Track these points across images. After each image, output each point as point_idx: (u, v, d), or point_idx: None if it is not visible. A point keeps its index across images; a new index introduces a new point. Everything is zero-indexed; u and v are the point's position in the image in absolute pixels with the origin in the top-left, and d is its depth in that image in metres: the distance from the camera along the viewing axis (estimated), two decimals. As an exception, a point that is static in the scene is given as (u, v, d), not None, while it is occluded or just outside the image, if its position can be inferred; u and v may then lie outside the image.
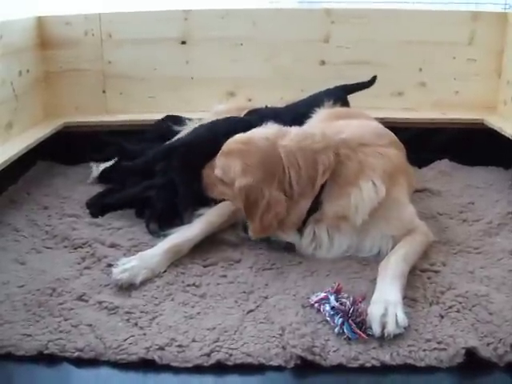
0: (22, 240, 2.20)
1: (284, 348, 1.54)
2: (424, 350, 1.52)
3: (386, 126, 2.43)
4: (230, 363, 1.52)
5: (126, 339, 1.58)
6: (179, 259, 2.01)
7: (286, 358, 1.52)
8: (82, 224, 2.33)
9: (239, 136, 2.14)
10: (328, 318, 1.64)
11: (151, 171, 2.46)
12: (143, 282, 1.86)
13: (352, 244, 2.06)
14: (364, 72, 3.04)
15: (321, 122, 2.50)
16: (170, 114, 3.03)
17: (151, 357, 1.53)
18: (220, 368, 1.51)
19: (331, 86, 2.91)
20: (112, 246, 2.13)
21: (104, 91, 3.35)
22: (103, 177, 2.79)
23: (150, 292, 1.82)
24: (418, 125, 3.21)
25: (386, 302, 1.63)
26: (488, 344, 1.54)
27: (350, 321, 1.58)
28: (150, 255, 1.97)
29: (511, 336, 1.55)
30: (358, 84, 2.95)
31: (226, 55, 3.31)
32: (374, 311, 1.61)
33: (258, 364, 1.51)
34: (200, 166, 2.26)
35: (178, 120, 2.96)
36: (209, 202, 2.24)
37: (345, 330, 1.58)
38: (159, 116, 3.09)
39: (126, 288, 1.84)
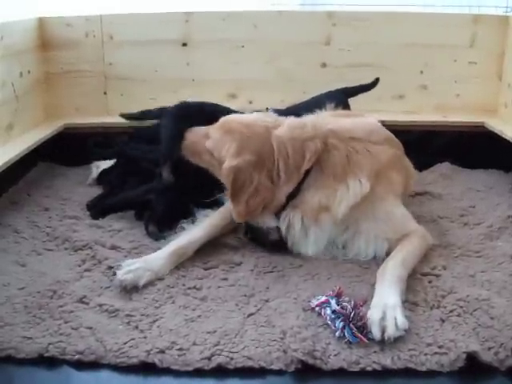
0: (23, 242, 2.19)
1: (285, 352, 1.54)
2: (425, 354, 1.52)
3: (386, 129, 2.42)
4: (230, 367, 1.52)
5: (126, 342, 1.58)
6: (181, 262, 2.01)
7: (286, 361, 1.52)
8: (82, 226, 2.33)
9: (241, 117, 2.22)
10: (329, 322, 1.64)
11: (152, 172, 2.47)
12: (145, 285, 1.86)
13: (335, 240, 2.06)
14: (365, 74, 3.04)
15: None
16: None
17: (152, 360, 1.53)
18: (221, 371, 1.51)
19: (332, 88, 2.90)
20: (113, 248, 2.13)
21: (105, 93, 3.35)
22: (102, 178, 2.79)
23: (151, 295, 1.82)
24: (419, 128, 3.20)
25: (384, 306, 1.63)
26: (489, 348, 1.53)
27: (351, 325, 1.58)
28: (154, 258, 1.97)
29: (512, 340, 1.55)
30: (359, 86, 2.94)
31: (227, 57, 3.30)
32: (373, 315, 1.61)
33: (259, 368, 1.51)
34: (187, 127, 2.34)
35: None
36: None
37: (346, 334, 1.57)
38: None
39: (128, 290, 1.84)
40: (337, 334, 1.59)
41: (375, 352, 1.53)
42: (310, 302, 1.74)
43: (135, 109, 3.27)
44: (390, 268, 1.83)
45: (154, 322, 1.68)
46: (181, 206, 2.30)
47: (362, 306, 1.65)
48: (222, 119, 2.21)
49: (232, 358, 1.53)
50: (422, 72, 3.30)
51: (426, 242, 2.07)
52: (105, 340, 1.59)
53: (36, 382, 1.53)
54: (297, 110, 2.79)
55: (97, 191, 2.68)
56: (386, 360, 1.51)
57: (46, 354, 1.55)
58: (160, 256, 1.98)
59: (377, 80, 2.95)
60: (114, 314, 1.71)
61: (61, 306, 1.74)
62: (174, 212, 2.29)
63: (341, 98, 2.80)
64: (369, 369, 1.49)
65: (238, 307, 1.76)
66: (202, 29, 3.27)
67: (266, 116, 2.22)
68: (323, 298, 1.70)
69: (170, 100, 2.76)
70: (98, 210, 2.45)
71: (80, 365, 1.54)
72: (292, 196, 2.06)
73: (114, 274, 1.90)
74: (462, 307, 1.71)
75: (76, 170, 3.03)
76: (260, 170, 2.02)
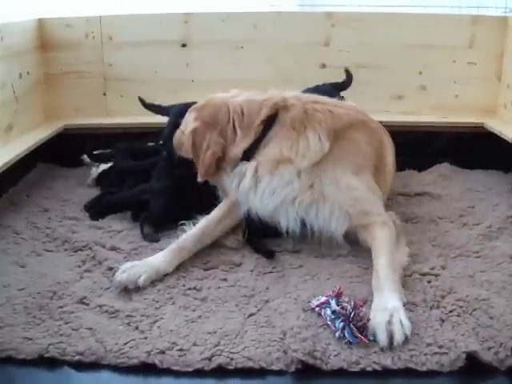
0: (22, 243, 2.20)
1: (285, 352, 1.54)
2: (425, 354, 1.52)
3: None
4: (231, 367, 1.52)
5: (126, 343, 1.58)
6: (182, 258, 2.01)
7: (287, 362, 1.52)
8: (82, 227, 2.33)
9: (208, 96, 2.35)
10: (329, 322, 1.64)
11: (148, 172, 2.48)
12: (145, 286, 1.86)
13: (298, 199, 2.04)
14: (364, 75, 3.04)
15: None
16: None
17: (152, 361, 1.54)
18: (221, 372, 1.52)
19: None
20: (112, 249, 2.13)
21: (104, 93, 3.35)
22: (101, 179, 2.79)
23: (151, 295, 1.82)
24: (418, 128, 3.20)
25: (388, 310, 1.61)
26: (489, 348, 1.54)
27: (351, 325, 1.58)
28: (153, 257, 1.98)
29: (512, 340, 1.55)
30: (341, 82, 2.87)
31: (227, 58, 3.30)
32: (378, 319, 1.59)
33: (259, 368, 1.52)
34: None
35: None
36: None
37: (346, 335, 1.57)
38: (160, 119, 3.09)
39: (128, 290, 1.84)
40: (337, 334, 1.59)
41: (375, 352, 1.53)
42: (309, 302, 1.74)
43: (135, 110, 3.27)
44: (382, 278, 1.77)
45: (155, 322, 1.68)
46: (178, 207, 2.30)
47: (361, 306, 1.65)
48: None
49: (232, 359, 1.53)
50: (421, 73, 3.30)
51: (393, 230, 2.01)
52: (105, 341, 1.59)
53: (36, 382, 1.53)
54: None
55: (96, 192, 2.68)
56: (387, 360, 1.51)
57: (47, 355, 1.55)
58: (159, 254, 1.99)
59: (349, 76, 2.87)
60: (114, 315, 1.71)
61: (61, 307, 1.75)
62: (170, 213, 2.29)
63: (331, 91, 2.75)
64: (369, 369, 1.49)
65: (238, 308, 1.76)
66: (202, 29, 3.28)
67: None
68: (323, 299, 1.70)
69: (169, 101, 2.77)
70: (97, 210, 2.46)
71: (80, 365, 1.54)
72: (252, 152, 2.12)
73: (114, 275, 1.89)
74: (461, 307, 1.71)
75: (75, 171, 3.03)
76: (213, 129, 2.16)
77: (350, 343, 1.56)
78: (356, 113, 2.25)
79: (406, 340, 1.55)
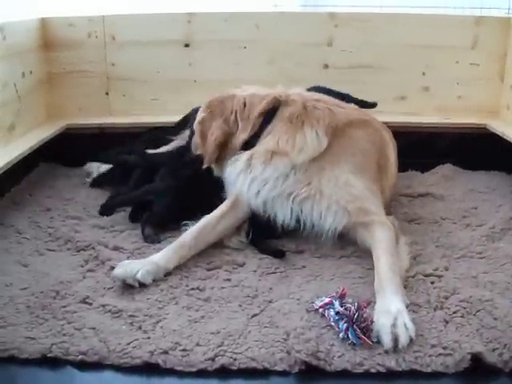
0: (25, 242, 2.20)
1: (288, 353, 1.54)
2: (430, 356, 1.52)
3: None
4: (234, 368, 1.51)
5: (129, 343, 1.58)
6: (184, 263, 2.01)
7: (290, 362, 1.51)
8: (84, 226, 2.33)
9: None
10: (332, 323, 1.63)
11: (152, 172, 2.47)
12: (148, 286, 1.86)
13: (294, 192, 2.05)
14: (367, 76, 3.04)
15: None
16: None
17: (155, 361, 1.53)
18: (224, 372, 1.51)
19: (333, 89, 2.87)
20: (115, 248, 2.13)
21: (107, 93, 3.34)
22: (99, 181, 2.79)
23: (154, 295, 1.82)
24: (421, 129, 3.20)
25: (392, 312, 1.60)
26: (493, 349, 1.53)
27: (354, 326, 1.57)
28: (154, 255, 1.98)
29: (516, 342, 1.55)
30: (359, 101, 2.78)
31: (229, 58, 3.30)
32: (382, 321, 1.58)
33: (263, 369, 1.51)
34: None
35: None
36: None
37: (349, 336, 1.57)
38: (162, 118, 3.10)
39: (130, 291, 1.84)
40: (340, 335, 1.58)
41: (379, 354, 1.53)
42: (313, 303, 1.74)
43: (138, 110, 3.28)
44: (384, 281, 1.76)
45: (158, 322, 1.68)
46: (182, 207, 2.29)
47: (365, 307, 1.64)
48: None
49: (235, 359, 1.53)
50: (423, 73, 3.29)
51: (392, 231, 2.00)
52: (108, 340, 1.59)
53: (39, 382, 1.53)
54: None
55: (98, 192, 2.68)
56: (391, 362, 1.50)
57: (49, 355, 1.55)
58: (159, 252, 1.99)
59: (375, 103, 2.82)
60: (117, 315, 1.71)
61: (64, 307, 1.74)
62: (174, 213, 2.28)
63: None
64: (373, 370, 1.49)
65: (242, 308, 1.76)
66: (204, 29, 3.27)
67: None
68: (327, 299, 1.70)
69: (171, 101, 2.77)
70: (108, 208, 2.46)
71: (83, 365, 1.54)
72: (252, 143, 2.18)
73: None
74: (465, 308, 1.71)
75: (78, 170, 3.02)
76: (218, 118, 2.26)
77: (354, 344, 1.55)
78: (358, 112, 2.26)
79: (411, 342, 1.55)
